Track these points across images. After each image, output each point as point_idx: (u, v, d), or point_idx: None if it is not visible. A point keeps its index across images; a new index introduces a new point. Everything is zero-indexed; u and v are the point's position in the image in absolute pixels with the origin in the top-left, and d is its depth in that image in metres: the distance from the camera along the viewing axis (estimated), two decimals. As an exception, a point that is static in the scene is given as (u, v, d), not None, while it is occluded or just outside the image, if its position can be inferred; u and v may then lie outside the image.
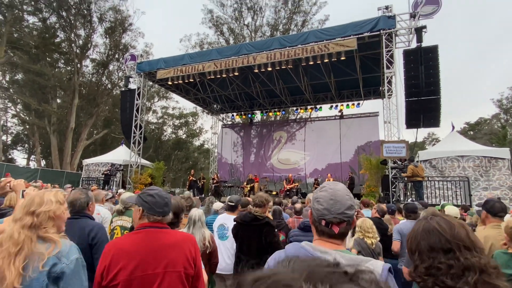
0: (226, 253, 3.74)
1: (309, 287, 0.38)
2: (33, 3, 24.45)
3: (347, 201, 1.20)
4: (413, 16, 10.89)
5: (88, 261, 1.74)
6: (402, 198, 10.80)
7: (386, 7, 11.29)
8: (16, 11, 23.52)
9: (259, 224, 3.25)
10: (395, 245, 3.97)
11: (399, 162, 10.77)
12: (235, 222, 3.46)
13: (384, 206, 5.16)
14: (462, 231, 1.22)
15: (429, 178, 10.75)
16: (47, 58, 26.05)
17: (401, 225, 4.14)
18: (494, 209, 2.92)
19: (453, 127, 13.56)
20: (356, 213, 4.98)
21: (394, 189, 10.70)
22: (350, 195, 1.24)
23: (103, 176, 15.03)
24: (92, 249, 2.18)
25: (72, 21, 25.77)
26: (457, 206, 6.98)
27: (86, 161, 18.15)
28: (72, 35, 26.25)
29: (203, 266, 1.96)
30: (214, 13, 29.05)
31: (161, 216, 1.78)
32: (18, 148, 34.07)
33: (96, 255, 2.14)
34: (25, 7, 24.49)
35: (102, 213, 3.74)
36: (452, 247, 1.19)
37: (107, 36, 27.57)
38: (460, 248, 1.18)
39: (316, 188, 15.00)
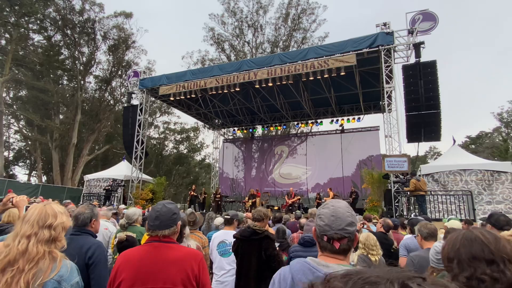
0: (231, 270, 3.62)
1: (397, 286, 0.41)
2: (38, 22, 25.03)
3: (348, 217, 1.24)
4: (410, 32, 11.11)
5: (84, 280, 1.70)
6: (405, 213, 10.70)
7: (384, 24, 11.53)
8: (22, 29, 24.05)
9: (259, 238, 3.22)
10: (402, 261, 3.90)
11: (401, 176, 10.73)
12: (234, 238, 3.42)
13: (389, 221, 5.11)
14: (508, 245, 1.17)
15: (432, 192, 10.67)
16: (51, 75, 26.44)
17: (407, 240, 4.08)
18: (499, 223, 2.90)
19: (454, 141, 13.56)
20: (361, 226, 4.93)
21: (397, 204, 10.61)
22: (351, 212, 1.28)
23: (104, 191, 14.98)
24: (89, 269, 2.11)
25: (77, 39, 26.31)
26: (460, 220, 6.91)
27: (88, 177, 18.11)
28: (76, 52, 26.75)
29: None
30: (215, 30, 29.70)
31: (151, 230, 1.77)
32: (20, 164, 34.10)
33: (93, 275, 2.08)
34: (30, 25, 25.06)
35: (109, 228, 3.95)
36: (496, 259, 1.12)
37: (111, 53, 28.06)
38: (505, 261, 1.11)
39: (318, 202, 14.88)
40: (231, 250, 3.64)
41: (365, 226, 5.26)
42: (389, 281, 0.41)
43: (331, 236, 1.22)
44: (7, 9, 22.46)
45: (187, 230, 2.96)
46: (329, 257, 1.24)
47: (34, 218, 1.53)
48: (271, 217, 6.92)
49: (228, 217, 3.90)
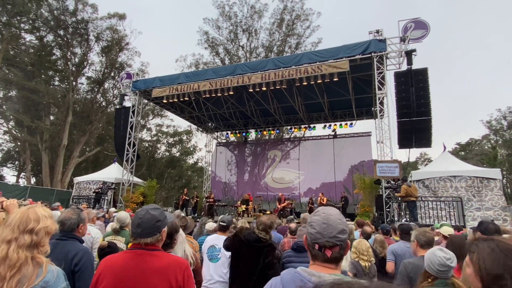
0: (218, 274, 3.58)
1: None
2: (31, 21, 24.75)
3: (339, 225, 1.22)
4: (403, 40, 11.26)
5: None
6: (396, 218, 10.77)
7: (377, 31, 11.67)
8: (14, 29, 23.74)
9: (260, 246, 3.19)
10: (389, 266, 3.93)
11: (392, 182, 10.81)
12: (235, 239, 3.35)
13: (368, 227, 5.16)
14: None
15: (423, 198, 10.77)
16: (42, 76, 26.10)
17: (395, 245, 4.11)
18: (488, 231, 2.93)
19: (445, 148, 13.74)
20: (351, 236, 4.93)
21: (388, 209, 10.68)
22: (342, 219, 1.26)
23: (94, 194, 14.76)
24: (74, 275, 2.04)
25: (69, 40, 26.07)
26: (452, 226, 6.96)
27: (77, 179, 17.85)
28: (69, 53, 26.48)
29: None
30: (209, 34, 29.74)
31: (133, 238, 1.71)
32: (8, 165, 33.45)
33: (78, 283, 2.03)
34: (22, 25, 24.76)
35: (92, 233, 3.65)
36: None
37: (104, 55, 27.85)
38: None
39: (310, 207, 14.89)
40: (219, 256, 3.61)
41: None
42: None
43: (322, 244, 1.20)
44: (-1, 8, 22.17)
45: (182, 235, 2.90)
46: (320, 266, 1.22)
47: (15, 222, 1.48)
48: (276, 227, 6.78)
49: (224, 224, 3.85)
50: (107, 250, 3.05)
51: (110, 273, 1.64)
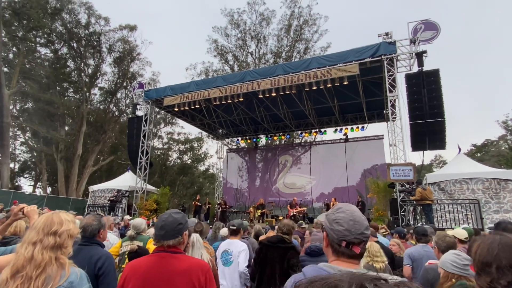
0: (231, 279, 3.64)
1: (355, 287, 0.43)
2: (46, 35, 25.58)
3: (364, 221, 1.24)
4: (413, 41, 11.17)
5: None
6: (411, 222, 10.57)
7: (386, 34, 11.62)
8: (30, 43, 24.57)
9: (284, 247, 3.27)
10: (406, 271, 3.86)
11: (407, 185, 10.63)
12: (260, 245, 3.45)
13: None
14: None
15: (438, 201, 10.55)
16: (57, 87, 26.86)
17: (412, 249, 4.03)
18: (507, 231, 2.86)
19: (460, 149, 13.45)
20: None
21: (403, 213, 10.49)
22: (363, 215, 1.28)
23: (109, 202, 14.99)
24: (98, 279, 2.11)
25: (82, 52, 26.81)
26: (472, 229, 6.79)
27: (92, 188, 18.16)
28: (82, 64, 27.21)
29: None
30: (218, 42, 30.11)
31: (156, 240, 1.78)
32: (25, 175, 34.31)
33: (102, 286, 2.09)
34: (38, 39, 25.62)
35: (111, 239, 3.80)
36: None
37: (116, 65, 28.51)
38: None
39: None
40: (231, 259, 3.66)
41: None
42: (349, 283, 0.43)
43: (350, 241, 1.20)
44: (16, 24, 22.99)
45: (200, 240, 2.94)
46: (345, 262, 1.22)
47: (40, 225, 1.57)
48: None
49: (235, 227, 3.90)
50: (134, 255, 3.15)
51: (136, 276, 1.69)
